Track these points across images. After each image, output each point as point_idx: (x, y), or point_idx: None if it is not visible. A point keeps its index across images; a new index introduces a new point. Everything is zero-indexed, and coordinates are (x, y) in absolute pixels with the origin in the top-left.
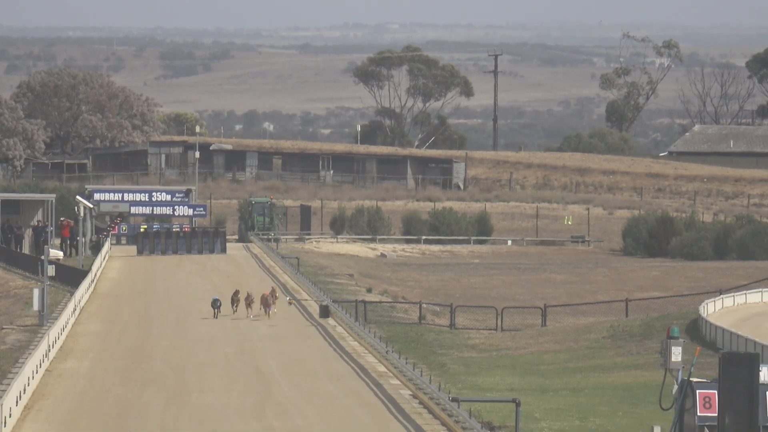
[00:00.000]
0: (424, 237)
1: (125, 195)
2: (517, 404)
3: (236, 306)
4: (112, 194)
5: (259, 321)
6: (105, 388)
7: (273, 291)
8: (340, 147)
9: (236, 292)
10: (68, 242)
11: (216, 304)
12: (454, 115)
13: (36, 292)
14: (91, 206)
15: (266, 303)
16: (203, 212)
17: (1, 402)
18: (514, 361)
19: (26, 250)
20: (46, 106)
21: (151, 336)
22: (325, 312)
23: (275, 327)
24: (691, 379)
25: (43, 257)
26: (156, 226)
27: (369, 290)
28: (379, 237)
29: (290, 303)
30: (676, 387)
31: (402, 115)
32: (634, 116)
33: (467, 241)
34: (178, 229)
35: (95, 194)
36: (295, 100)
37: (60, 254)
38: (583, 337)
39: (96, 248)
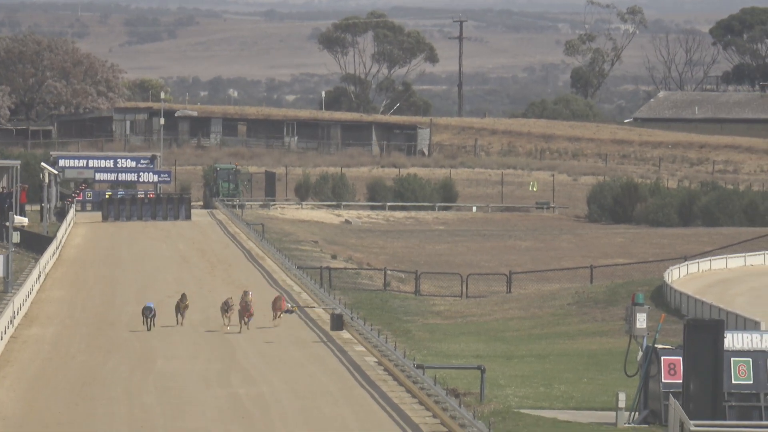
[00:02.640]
0: (388, 203)
1: (90, 161)
2: (482, 371)
3: (182, 315)
4: (77, 160)
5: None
6: (70, 354)
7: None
8: (305, 113)
9: (183, 298)
10: (24, 207)
11: (149, 313)
12: (418, 82)
13: (0, 259)
14: (56, 173)
15: (246, 310)
16: (168, 179)
17: None
18: (479, 327)
19: None
20: (10, 73)
21: (116, 303)
22: (338, 323)
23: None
24: (655, 345)
25: (7, 224)
26: (121, 192)
27: (334, 257)
28: (343, 203)
29: (291, 311)
30: (640, 353)
31: (367, 81)
32: (599, 83)
33: (432, 208)
34: (142, 196)
35: (60, 161)
36: (260, 67)
37: (25, 221)
38: (548, 304)
39: (61, 215)
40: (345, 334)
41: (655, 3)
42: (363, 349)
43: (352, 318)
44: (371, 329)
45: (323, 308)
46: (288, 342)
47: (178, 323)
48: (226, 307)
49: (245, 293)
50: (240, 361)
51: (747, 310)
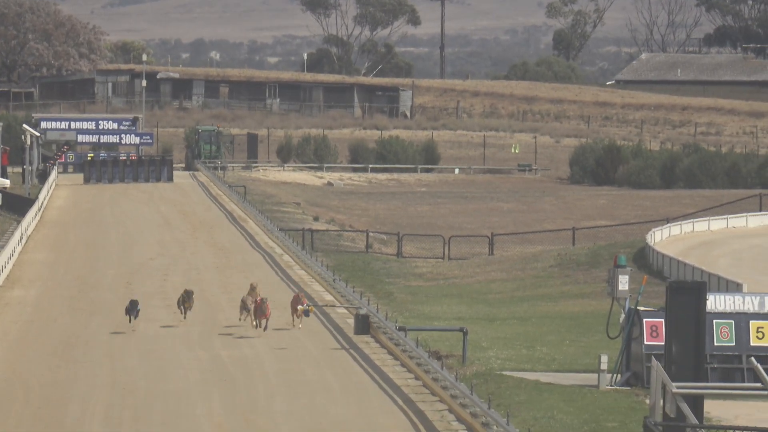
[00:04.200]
0: (371, 165)
1: (72, 123)
2: (465, 333)
3: (185, 309)
4: (58, 123)
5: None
6: (52, 317)
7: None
8: (287, 75)
9: (187, 296)
10: (5, 169)
11: (132, 308)
12: (401, 44)
13: None
14: (38, 135)
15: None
16: (150, 140)
17: None
18: (461, 290)
19: None
20: None
21: (98, 265)
22: (362, 325)
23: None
24: (638, 307)
25: None
26: (103, 154)
27: (316, 219)
28: (325, 165)
29: (307, 310)
30: (623, 316)
31: (349, 43)
32: (581, 45)
33: (414, 170)
34: (124, 158)
35: (42, 123)
36: (242, 29)
37: (6, 183)
38: (530, 266)
39: (43, 177)
40: (327, 296)
41: None
42: (344, 311)
43: (334, 280)
44: (353, 291)
45: (345, 307)
46: (271, 306)
47: (183, 317)
48: (244, 306)
49: (253, 288)
50: (222, 322)
51: (729, 272)
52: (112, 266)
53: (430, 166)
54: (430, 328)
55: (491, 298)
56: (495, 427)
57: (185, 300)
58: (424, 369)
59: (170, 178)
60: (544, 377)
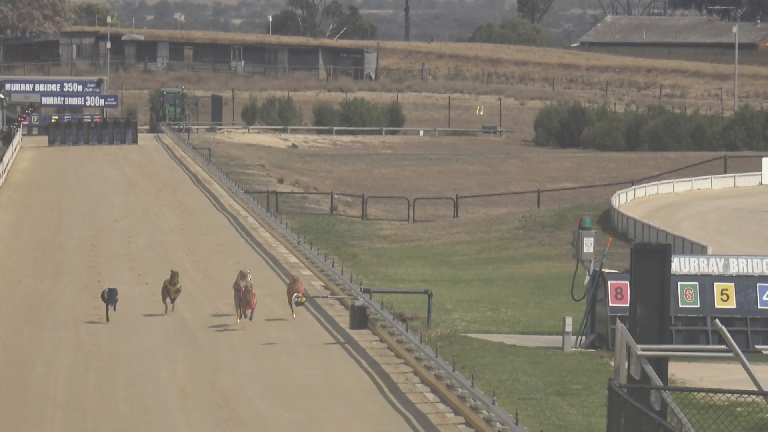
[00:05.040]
0: (335, 128)
1: (36, 86)
2: (429, 295)
3: (171, 299)
4: (23, 85)
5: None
6: (16, 279)
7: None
8: (252, 37)
9: (173, 278)
10: None
11: (111, 298)
12: (365, 5)
13: None
14: (2, 97)
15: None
16: (114, 103)
17: None
18: (426, 252)
19: None
20: None
21: (63, 227)
22: (359, 318)
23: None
24: (602, 270)
25: None
26: (67, 116)
27: (280, 181)
28: (290, 127)
29: (300, 302)
30: (587, 278)
31: (314, 5)
32: (546, 6)
33: (379, 132)
34: (89, 120)
35: (6, 85)
36: None
37: None
38: (494, 228)
39: (7, 139)
40: (291, 258)
41: None
42: (310, 273)
43: (299, 242)
44: (318, 253)
45: (337, 298)
46: (235, 268)
47: (167, 311)
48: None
49: (242, 275)
50: (186, 285)
51: (694, 235)
52: (76, 228)
53: (394, 129)
54: (394, 290)
55: (456, 260)
56: (459, 390)
57: (170, 285)
58: (388, 331)
59: (135, 141)
60: (509, 339)
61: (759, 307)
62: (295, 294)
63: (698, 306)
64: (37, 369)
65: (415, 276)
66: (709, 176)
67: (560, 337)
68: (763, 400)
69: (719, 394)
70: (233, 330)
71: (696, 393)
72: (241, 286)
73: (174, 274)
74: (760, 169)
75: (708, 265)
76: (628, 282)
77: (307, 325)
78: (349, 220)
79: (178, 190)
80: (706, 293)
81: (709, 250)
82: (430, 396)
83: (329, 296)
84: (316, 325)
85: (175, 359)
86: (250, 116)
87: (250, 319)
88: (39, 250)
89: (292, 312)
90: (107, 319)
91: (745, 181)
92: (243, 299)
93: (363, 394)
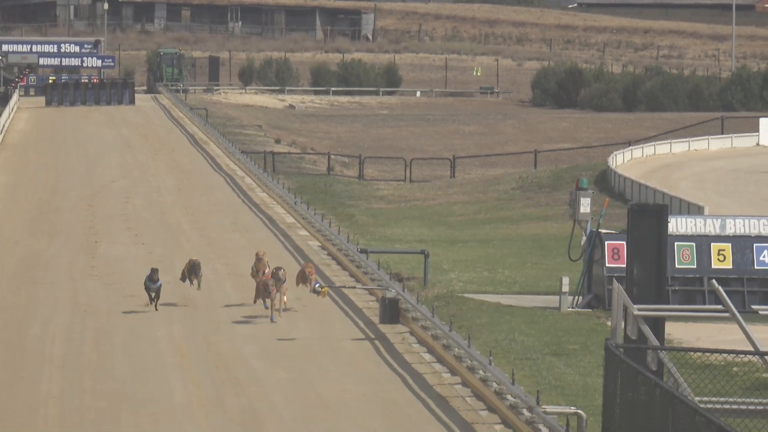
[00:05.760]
0: (332, 88)
1: (34, 46)
2: (426, 255)
3: (196, 280)
4: (20, 46)
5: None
6: (14, 239)
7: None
8: None
9: (194, 267)
10: None
11: (152, 284)
12: None
13: None
14: (0, 57)
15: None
16: (112, 64)
17: None
18: (423, 212)
19: None
20: None
21: (60, 187)
22: (391, 311)
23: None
24: (599, 230)
25: None
26: (65, 77)
27: (277, 141)
28: (287, 88)
29: (319, 291)
30: (584, 238)
31: None
32: None
33: (376, 93)
34: (86, 81)
35: (3, 45)
36: None
37: None
38: (491, 189)
39: (4, 99)
40: (288, 218)
41: None
42: (306, 233)
43: (295, 202)
44: (314, 214)
45: (366, 288)
46: (232, 228)
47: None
48: (265, 289)
49: (259, 259)
50: (183, 245)
51: (691, 195)
52: (73, 189)
53: (391, 89)
54: (391, 250)
55: (453, 220)
56: (456, 350)
57: (192, 272)
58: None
59: (132, 101)
60: (506, 299)
61: (755, 267)
62: (317, 283)
63: (695, 266)
64: (34, 329)
65: (412, 236)
66: (706, 137)
67: (557, 298)
68: (760, 360)
69: (716, 354)
70: (230, 288)
71: (692, 353)
72: (260, 270)
73: (194, 265)
74: (757, 130)
75: (705, 225)
76: (624, 242)
77: (304, 288)
78: (346, 180)
79: (175, 150)
80: (703, 254)
81: (706, 211)
82: (427, 356)
83: (356, 286)
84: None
85: (172, 320)
86: (247, 77)
87: (272, 310)
88: (36, 210)
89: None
90: (155, 308)
91: (742, 141)
92: (265, 289)
93: (359, 354)
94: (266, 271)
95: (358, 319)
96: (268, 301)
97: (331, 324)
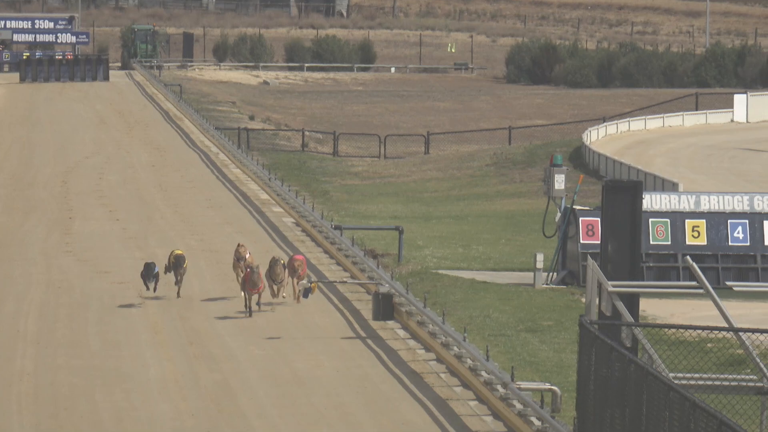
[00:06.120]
0: (306, 64)
1: (7, 22)
2: (400, 232)
3: (178, 276)
4: None
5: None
6: None
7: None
8: None
9: (178, 261)
10: None
11: (148, 274)
12: None
13: None
14: None
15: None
16: (86, 40)
17: None
18: (397, 189)
19: None
20: None
21: (34, 163)
22: (384, 307)
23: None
24: (574, 206)
25: None
26: (39, 53)
27: (251, 118)
28: (261, 64)
29: (310, 288)
30: (559, 215)
31: None
32: None
33: (350, 69)
34: (61, 57)
35: None
36: None
37: None
38: (466, 165)
39: None
40: (262, 195)
41: None
42: (281, 210)
43: (270, 179)
44: (289, 190)
45: (356, 282)
46: (206, 204)
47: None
48: (274, 277)
49: (239, 257)
50: (157, 221)
51: (665, 172)
52: (47, 165)
53: (366, 66)
54: (365, 227)
55: (427, 197)
56: (431, 326)
57: (175, 267)
58: (359, 268)
59: (106, 78)
60: (480, 276)
61: (730, 243)
62: (307, 279)
63: (669, 243)
64: (8, 305)
65: (386, 213)
66: (681, 113)
67: (531, 274)
68: (734, 337)
69: (690, 331)
70: (204, 264)
71: (667, 329)
72: (240, 262)
73: (179, 259)
74: (732, 107)
75: (679, 202)
76: (599, 219)
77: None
78: (321, 156)
79: (149, 126)
80: (678, 230)
81: (681, 187)
82: (401, 332)
83: (348, 281)
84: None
85: (147, 295)
86: (222, 53)
87: (258, 305)
88: (10, 186)
89: (295, 294)
90: (153, 290)
91: (717, 118)
92: (249, 281)
93: (334, 330)
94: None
95: (332, 296)
96: (255, 296)
97: (306, 301)
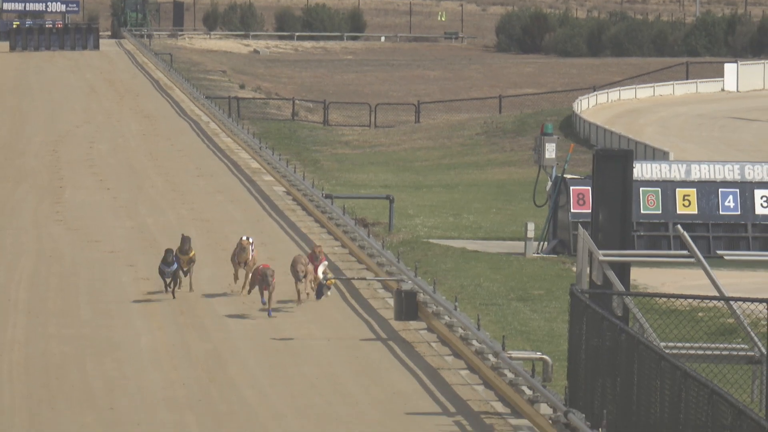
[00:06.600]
0: (297, 33)
1: None
2: (391, 201)
3: (183, 273)
4: None
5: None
6: None
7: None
8: None
9: (184, 242)
10: None
11: (167, 268)
12: None
13: None
14: None
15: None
16: (76, 8)
17: None
18: (388, 157)
19: None
20: None
21: (25, 132)
22: (408, 306)
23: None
24: (564, 175)
25: None
26: (29, 22)
27: (242, 86)
28: (252, 33)
29: (327, 281)
30: (549, 184)
31: None
32: None
33: (340, 38)
34: (51, 26)
35: None
36: None
37: None
38: (456, 134)
39: None
40: (253, 164)
41: None
42: (271, 178)
43: (260, 147)
44: (279, 159)
45: (379, 280)
46: (196, 173)
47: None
48: (298, 273)
49: (242, 249)
50: (147, 190)
51: (656, 140)
52: (38, 134)
53: (356, 34)
54: (356, 195)
55: (418, 165)
56: (422, 295)
57: (181, 254)
58: (350, 237)
59: (96, 46)
60: (471, 245)
61: (720, 212)
62: (324, 275)
63: (660, 212)
64: None
65: (377, 181)
66: (671, 82)
67: (522, 243)
68: (724, 305)
69: (681, 300)
70: (194, 232)
71: (658, 298)
72: (242, 259)
73: (185, 240)
74: (722, 76)
75: (670, 170)
76: (590, 188)
77: (269, 230)
78: (311, 125)
79: (139, 95)
80: (668, 199)
81: (671, 156)
82: (392, 301)
83: (367, 279)
84: (276, 229)
85: (138, 264)
86: (212, 22)
87: (267, 305)
88: (0, 155)
89: (300, 293)
90: (173, 296)
91: (707, 87)
92: (263, 280)
93: (325, 299)
94: (249, 260)
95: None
96: (266, 293)
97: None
